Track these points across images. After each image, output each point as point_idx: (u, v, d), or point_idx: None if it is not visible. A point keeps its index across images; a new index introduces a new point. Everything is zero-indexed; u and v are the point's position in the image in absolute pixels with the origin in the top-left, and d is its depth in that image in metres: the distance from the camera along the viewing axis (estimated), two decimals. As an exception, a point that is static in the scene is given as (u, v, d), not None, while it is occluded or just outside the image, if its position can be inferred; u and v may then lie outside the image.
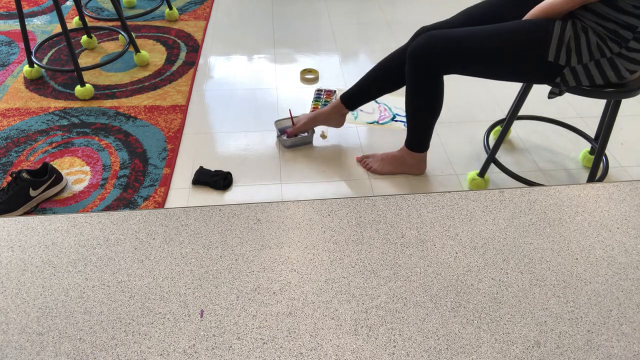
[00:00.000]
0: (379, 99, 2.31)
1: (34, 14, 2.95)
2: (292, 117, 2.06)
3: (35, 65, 2.35)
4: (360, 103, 1.91)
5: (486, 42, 1.45)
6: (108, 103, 2.25)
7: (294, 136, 2.03)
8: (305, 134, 2.07)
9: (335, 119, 1.99)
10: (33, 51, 2.43)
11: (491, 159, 1.78)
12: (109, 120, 2.15)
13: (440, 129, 2.16)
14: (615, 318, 0.58)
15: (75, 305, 0.58)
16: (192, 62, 2.54)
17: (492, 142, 2.07)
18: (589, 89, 1.45)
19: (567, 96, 2.37)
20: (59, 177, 1.80)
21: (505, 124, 1.72)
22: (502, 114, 2.26)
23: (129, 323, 0.56)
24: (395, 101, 2.31)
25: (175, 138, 2.06)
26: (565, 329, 0.57)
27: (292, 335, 0.56)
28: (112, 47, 2.66)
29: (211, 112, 2.24)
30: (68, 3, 3.10)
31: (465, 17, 1.63)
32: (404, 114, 2.24)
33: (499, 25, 1.46)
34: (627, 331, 0.57)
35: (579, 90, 1.47)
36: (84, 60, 2.54)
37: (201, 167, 1.90)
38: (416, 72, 1.60)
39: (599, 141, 1.60)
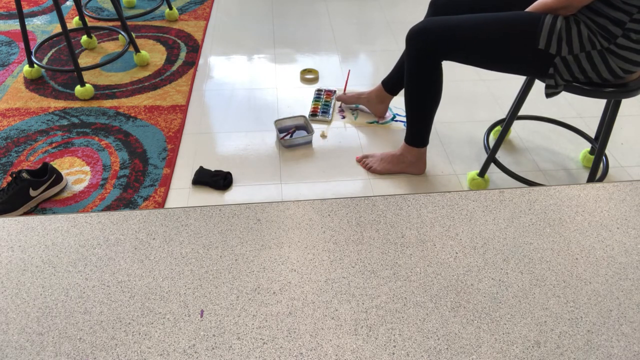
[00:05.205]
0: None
1: (34, 14, 2.95)
2: (347, 80, 2.34)
3: (35, 65, 2.35)
4: (397, 86, 2.05)
5: (480, 30, 1.48)
6: (108, 103, 2.25)
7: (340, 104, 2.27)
8: (306, 133, 2.08)
9: (375, 103, 2.14)
10: (33, 51, 2.43)
11: (491, 159, 1.79)
12: (109, 120, 2.15)
13: (440, 128, 2.16)
14: (615, 318, 0.58)
15: (75, 305, 0.58)
16: (192, 62, 2.54)
17: (492, 142, 2.07)
18: (588, 88, 1.45)
19: (567, 96, 2.37)
20: (59, 177, 1.80)
21: (505, 124, 1.72)
22: (502, 114, 2.26)
23: (129, 323, 0.56)
24: (395, 101, 2.31)
25: (175, 138, 2.06)
26: (565, 329, 0.57)
27: (292, 335, 0.56)
28: (112, 47, 2.66)
29: (211, 112, 2.24)
30: (68, 3, 3.10)
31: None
32: (404, 114, 2.24)
33: (494, 14, 1.49)
34: (627, 331, 0.57)
35: (578, 90, 1.47)
36: (84, 60, 2.54)
37: (201, 167, 1.90)
38: (414, 56, 1.62)
39: (599, 141, 1.60)
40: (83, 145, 2.02)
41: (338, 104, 2.30)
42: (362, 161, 1.96)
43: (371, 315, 0.58)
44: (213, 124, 2.16)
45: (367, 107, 2.18)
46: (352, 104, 2.22)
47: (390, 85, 2.05)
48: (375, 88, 2.12)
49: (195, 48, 2.66)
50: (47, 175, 1.77)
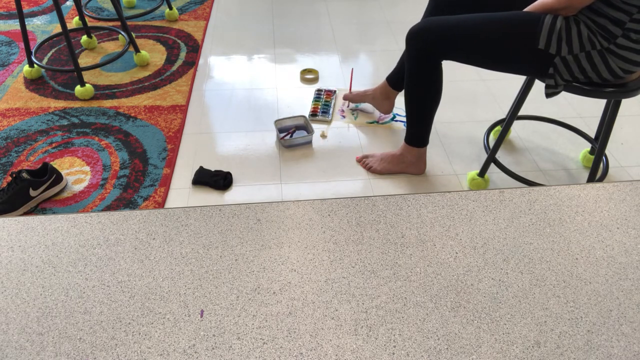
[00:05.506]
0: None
1: (34, 14, 2.95)
2: (351, 78, 2.29)
3: (35, 65, 2.35)
4: (401, 81, 2.04)
5: (480, 30, 1.48)
6: (108, 103, 2.25)
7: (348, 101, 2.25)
8: (306, 133, 2.08)
9: (381, 99, 2.12)
10: (33, 51, 2.43)
11: (491, 159, 1.79)
12: (109, 120, 2.15)
13: (440, 128, 2.16)
14: (615, 318, 0.58)
15: (75, 305, 0.58)
16: (192, 62, 2.54)
17: (492, 142, 2.07)
18: (588, 88, 1.45)
19: (567, 96, 2.37)
20: (59, 177, 1.80)
21: (505, 124, 1.72)
22: (502, 114, 2.26)
23: (129, 323, 0.56)
24: (395, 101, 2.31)
25: (175, 138, 2.06)
26: (565, 329, 0.57)
27: (292, 335, 0.56)
28: (112, 47, 2.66)
29: (211, 112, 2.24)
30: (68, 3, 3.10)
31: None
32: (404, 114, 2.24)
33: (494, 13, 1.49)
34: (627, 331, 0.57)
35: (578, 90, 1.47)
36: (84, 60, 2.54)
37: (201, 167, 1.90)
38: (414, 56, 1.62)
39: (599, 141, 1.60)
40: (83, 145, 2.02)
41: (339, 104, 2.30)
42: (362, 161, 1.96)
43: (371, 315, 0.58)
44: (213, 124, 2.16)
45: (373, 104, 2.16)
46: (358, 102, 2.21)
47: (395, 81, 2.05)
48: (380, 85, 2.11)
49: (195, 48, 2.66)
50: (47, 175, 1.77)
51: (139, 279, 0.61)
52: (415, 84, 1.68)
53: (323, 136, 2.11)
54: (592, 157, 1.96)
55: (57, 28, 2.81)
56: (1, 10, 2.98)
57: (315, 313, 0.58)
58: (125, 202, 1.78)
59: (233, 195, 1.83)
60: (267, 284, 0.61)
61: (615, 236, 0.68)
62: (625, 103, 2.35)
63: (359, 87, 2.41)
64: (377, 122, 2.20)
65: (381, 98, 2.12)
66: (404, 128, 2.15)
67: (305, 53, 2.67)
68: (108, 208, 1.76)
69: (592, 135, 2.10)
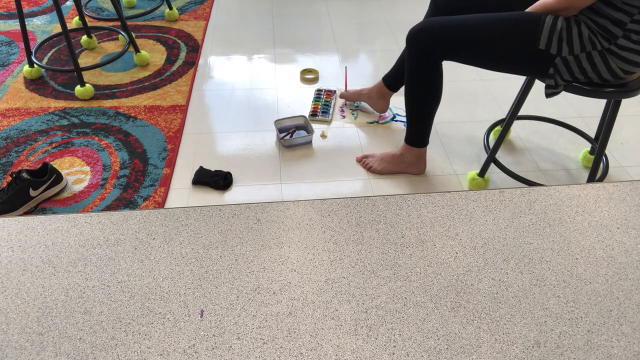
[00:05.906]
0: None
1: (34, 14, 2.95)
2: (346, 77, 2.33)
3: (35, 65, 2.35)
4: (397, 83, 2.06)
5: (480, 30, 1.48)
6: (108, 103, 2.25)
7: (345, 100, 2.27)
8: (306, 133, 2.08)
9: (376, 98, 2.14)
10: (33, 51, 2.43)
11: (491, 159, 1.78)
12: (109, 120, 2.15)
13: (441, 128, 2.16)
14: (615, 318, 0.58)
15: (75, 305, 0.58)
16: (192, 62, 2.54)
17: (492, 142, 2.07)
18: (588, 88, 1.45)
19: (567, 96, 2.37)
20: (59, 177, 1.80)
21: (505, 124, 1.72)
22: (502, 114, 2.26)
23: (129, 323, 0.56)
24: (395, 101, 2.31)
25: (175, 138, 2.06)
26: (565, 329, 0.57)
27: (292, 335, 0.56)
28: (112, 47, 2.66)
29: (211, 112, 2.24)
30: (68, 3, 3.10)
31: None
32: (404, 114, 2.24)
33: (494, 14, 1.49)
34: (627, 331, 0.57)
35: (578, 90, 1.47)
36: (84, 60, 2.54)
37: (201, 167, 1.90)
38: (414, 56, 1.62)
39: (599, 141, 1.60)
40: (83, 145, 2.02)
41: (339, 103, 2.30)
42: (362, 161, 1.96)
43: (371, 315, 0.58)
44: (213, 124, 2.16)
45: (368, 103, 2.18)
46: (354, 100, 2.22)
47: (391, 82, 2.06)
48: (376, 84, 2.12)
49: (195, 48, 2.66)
50: (47, 175, 1.77)
51: (139, 279, 0.61)
52: (416, 83, 1.68)
53: (323, 136, 2.11)
54: (592, 157, 1.96)
55: (57, 28, 2.81)
56: (1, 10, 2.98)
57: (315, 313, 0.58)
58: (125, 202, 1.78)
59: (233, 195, 1.83)
60: (267, 284, 0.61)
61: (615, 236, 0.68)
62: (625, 103, 2.35)
63: (359, 87, 2.41)
64: (377, 122, 2.20)
65: (376, 97, 2.13)
66: (404, 128, 2.15)
67: (305, 53, 2.67)
68: (108, 208, 1.76)
69: (592, 135, 2.10)
